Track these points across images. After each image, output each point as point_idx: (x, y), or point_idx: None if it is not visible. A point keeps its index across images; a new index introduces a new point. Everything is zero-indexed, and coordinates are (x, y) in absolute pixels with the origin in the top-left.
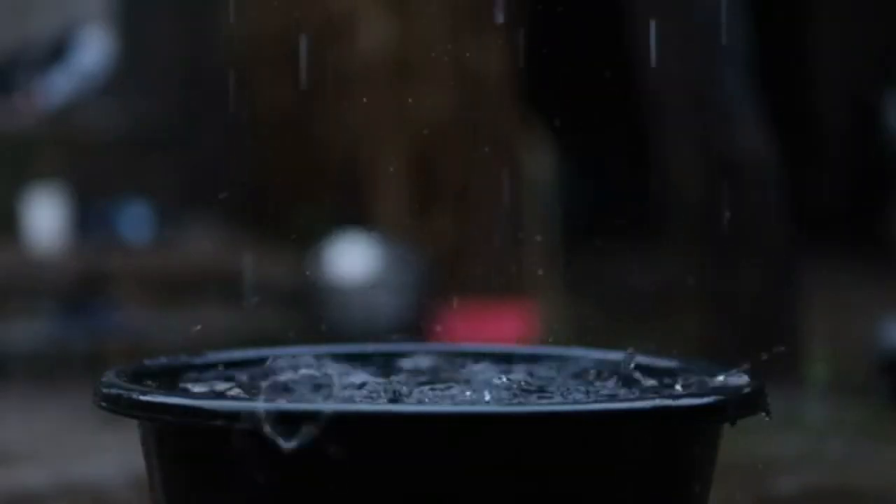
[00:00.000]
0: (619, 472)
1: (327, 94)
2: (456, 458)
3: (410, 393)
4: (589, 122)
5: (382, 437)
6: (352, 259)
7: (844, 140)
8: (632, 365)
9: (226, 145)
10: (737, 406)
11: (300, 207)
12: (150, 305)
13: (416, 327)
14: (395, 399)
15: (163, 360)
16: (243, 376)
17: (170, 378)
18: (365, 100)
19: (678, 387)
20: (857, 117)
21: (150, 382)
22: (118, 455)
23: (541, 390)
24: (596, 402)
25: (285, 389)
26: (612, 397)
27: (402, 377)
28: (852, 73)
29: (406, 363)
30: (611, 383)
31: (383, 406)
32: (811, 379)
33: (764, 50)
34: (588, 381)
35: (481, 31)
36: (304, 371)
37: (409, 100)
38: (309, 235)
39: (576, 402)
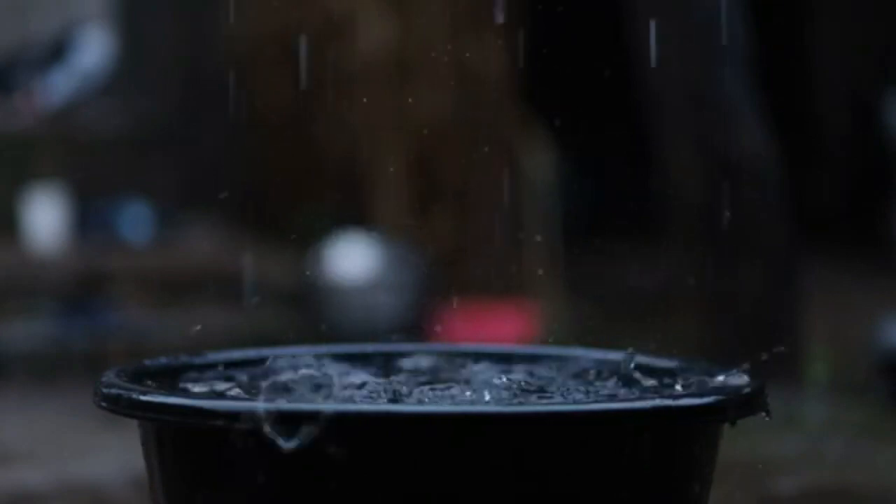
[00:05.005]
0: (619, 472)
1: (327, 94)
2: (456, 458)
3: (410, 393)
4: (589, 122)
5: (383, 437)
6: (352, 259)
7: (844, 140)
8: (632, 365)
9: (226, 145)
10: (737, 406)
11: (300, 207)
12: (150, 305)
13: (416, 327)
14: (395, 399)
15: (163, 360)
16: (243, 376)
17: (170, 378)
18: (365, 100)
19: (678, 387)
20: (857, 117)
21: (150, 382)
22: (118, 455)
23: (541, 390)
24: (596, 402)
25: (285, 389)
26: (612, 397)
27: (402, 377)
28: (852, 73)
29: (406, 363)
30: (611, 383)
31: (383, 406)
32: (811, 379)
33: (764, 50)
34: (588, 381)
35: (481, 31)
36: (304, 371)
37: (409, 100)
38: (309, 235)
39: (576, 402)
